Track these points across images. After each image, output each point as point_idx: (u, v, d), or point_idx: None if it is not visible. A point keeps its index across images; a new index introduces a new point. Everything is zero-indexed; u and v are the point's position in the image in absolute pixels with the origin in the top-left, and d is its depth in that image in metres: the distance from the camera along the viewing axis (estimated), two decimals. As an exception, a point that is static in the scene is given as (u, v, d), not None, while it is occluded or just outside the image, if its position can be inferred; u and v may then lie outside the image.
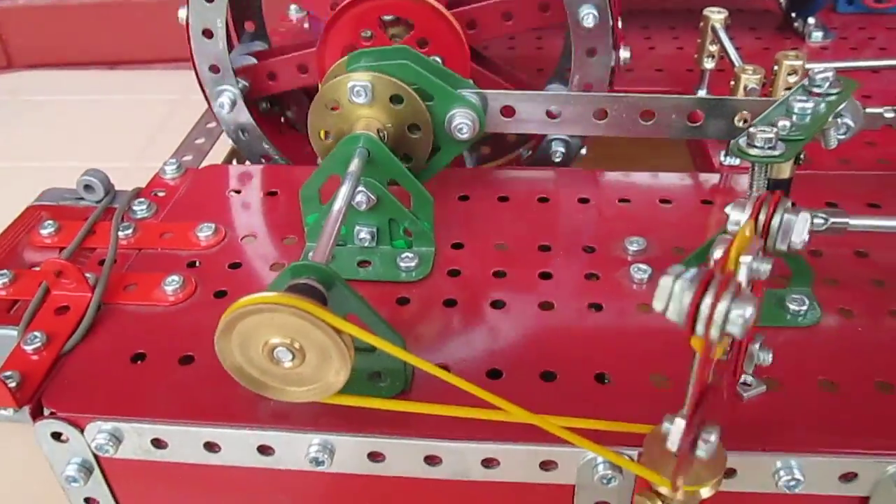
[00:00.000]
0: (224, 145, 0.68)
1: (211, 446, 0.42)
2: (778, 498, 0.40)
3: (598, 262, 0.51)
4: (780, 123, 0.41)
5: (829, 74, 0.44)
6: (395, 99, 0.50)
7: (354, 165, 0.47)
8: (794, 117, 0.42)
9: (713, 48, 0.65)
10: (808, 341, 0.45)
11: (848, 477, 0.39)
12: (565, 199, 0.57)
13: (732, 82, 0.59)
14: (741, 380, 0.42)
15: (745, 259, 0.29)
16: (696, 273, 0.28)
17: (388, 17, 0.56)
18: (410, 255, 0.51)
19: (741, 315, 0.27)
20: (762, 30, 0.84)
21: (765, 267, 0.30)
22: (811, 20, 0.79)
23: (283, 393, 0.36)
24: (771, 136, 0.39)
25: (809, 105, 0.43)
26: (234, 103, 0.62)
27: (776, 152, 0.39)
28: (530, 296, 0.49)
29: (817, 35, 0.79)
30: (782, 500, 0.40)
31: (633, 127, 0.52)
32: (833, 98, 0.44)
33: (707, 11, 0.64)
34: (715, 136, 0.51)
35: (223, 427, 0.41)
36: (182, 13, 0.59)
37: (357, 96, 0.49)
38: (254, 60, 0.65)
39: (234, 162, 0.69)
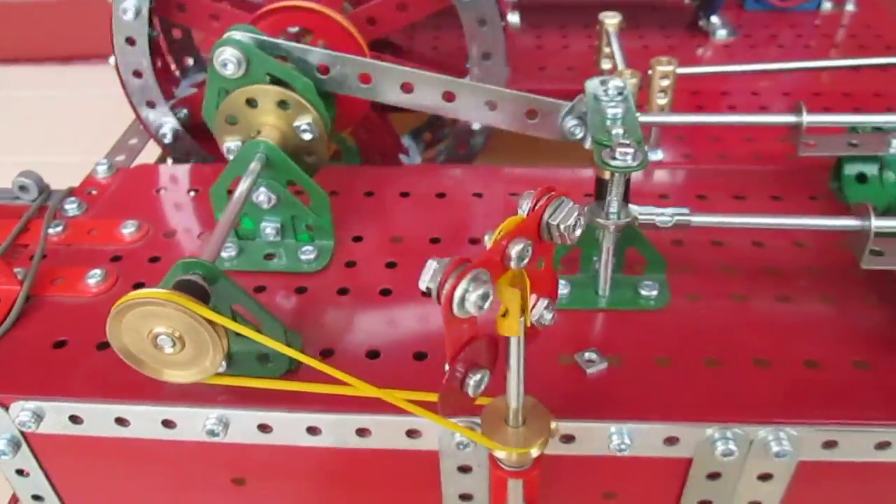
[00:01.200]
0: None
1: (121, 421, 0.47)
2: (613, 460, 0.46)
3: (481, 252, 0.57)
4: (614, 131, 0.47)
5: (622, 86, 0.50)
6: (282, 105, 0.55)
7: (252, 169, 0.52)
8: (620, 123, 0.47)
9: (608, 50, 0.70)
10: (654, 322, 0.51)
11: (671, 441, 0.45)
12: (460, 195, 0.63)
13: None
14: (587, 356, 0.48)
15: (515, 247, 0.34)
16: (451, 260, 0.33)
17: (293, 29, 0.61)
18: (310, 248, 0.56)
19: (477, 295, 0.33)
20: (672, 28, 0.89)
21: (527, 253, 0.35)
22: (714, 19, 0.84)
23: (164, 374, 0.41)
24: (630, 150, 0.44)
25: (620, 109, 0.48)
26: (176, 134, 0.68)
27: (635, 163, 0.44)
28: (415, 285, 0.54)
29: (722, 33, 0.84)
30: (617, 462, 0.46)
31: (479, 114, 0.55)
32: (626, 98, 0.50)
33: (602, 16, 0.70)
34: (548, 136, 0.54)
35: (131, 404, 0.47)
36: (112, 59, 0.64)
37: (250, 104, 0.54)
38: (194, 90, 0.71)
39: (170, 161, 0.74)
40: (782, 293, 0.53)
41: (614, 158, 0.45)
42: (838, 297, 0.52)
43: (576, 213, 0.36)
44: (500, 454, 0.42)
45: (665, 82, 0.61)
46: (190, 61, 0.75)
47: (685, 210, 0.50)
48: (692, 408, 0.45)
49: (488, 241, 0.35)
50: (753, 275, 0.54)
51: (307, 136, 0.54)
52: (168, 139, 0.68)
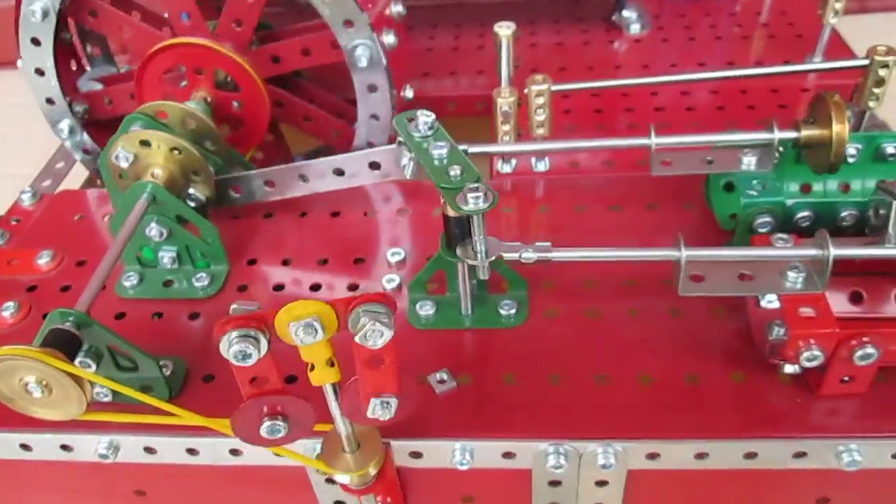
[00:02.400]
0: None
1: (25, 447, 0.53)
2: (457, 473, 0.50)
3: (363, 272, 0.61)
4: (452, 173, 0.50)
5: (430, 119, 0.52)
6: (175, 150, 0.59)
7: (138, 209, 0.56)
8: (451, 163, 0.50)
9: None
10: (510, 340, 0.55)
11: (509, 455, 0.50)
12: (352, 213, 0.67)
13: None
14: (438, 377, 0.52)
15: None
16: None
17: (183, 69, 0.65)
18: (204, 274, 0.61)
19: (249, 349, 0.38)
20: (590, 21, 0.90)
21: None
22: (627, 13, 0.85)
23: (35, 413, 0.46)
24: (480, 194, 0.47)
25: (444, 148, 0.51)
26: (72, 129, 0.72)
27: (486, 204, 0.48)
28: (297, 308, 0.59)
29: (635, 28, 0.86)
30: (461, 474, 0.51)
31: (334, 182, 0.63)
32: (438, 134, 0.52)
33: (496, 26, 0.71)
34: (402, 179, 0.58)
35: (35, 433, 0.53)
36: (20, 62, 0.68)
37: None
38: (98, 86, 0.74)
39: (100, 183, 0.78)
40: (634, 307, 0.56)
41: (466, 203, 0.48)
42: (686, 311, 0.55)
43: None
44: (342, 479, 0.47)
45: (541, 100, 0.63)
46: (97, 51, 0.78)
47: (546, 245, 0.53)
48: (529, 425, 0.50)
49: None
50: (610, 290, 0.57)
51: (197, 179, 0.59)
52: (64, 134, 0.72)
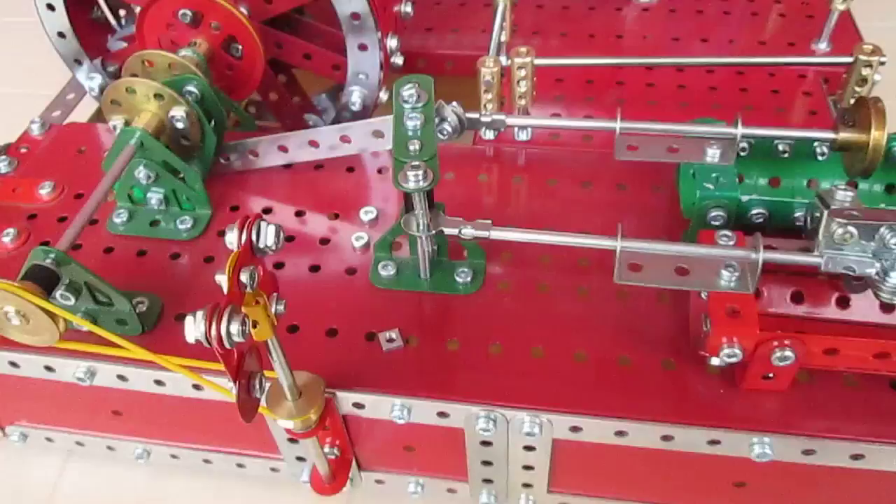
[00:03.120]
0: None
1: (13, 364, 0.58)
2: (397, 426, 0.54)
3: (336, 227, 0.64)
4: (412, 148, 0.52)
5: (414, 90, 0.54)
6: (158, 96, 0.62)
7: (127, 152, 0.60)
8: (418, 137, 0.52)
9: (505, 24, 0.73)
10: (461, 307, 0.58)
11: (443, 415, 0.54)
12: (335, 168, 0.69)
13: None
14: (388, 336, 0.56)
15: (244, 276, 0.42)
16: (205, 310, 0.41)
17: (186, 12, 0.67)
18: (188, 217, 0.64)
19: (236, 328, 0.40)
20: (600, -15, 0.89)
21: (255, 276, 0.42)
22: (637, -21, 0.84)
23: (17, 338, 0.51)
24: (420, 172, 0.50)
25: (418, 121, 0.53)
26: (102, 88, 0.76)
27: (425, 183, 0.50)
28: (273, 257, 0.62)
29: (644, -5, 0.85)
30: (400, 427, 0.54)
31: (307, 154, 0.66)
32: (422, 107, 0.54)
33: (494, -7, 0.72)
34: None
35: (22, 353, 0.58)
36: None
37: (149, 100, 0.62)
38: (124, 45, 0.78)
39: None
40: (584, 286, 0.58)
41: (407, 180, 0.50)
42: (633, 294, 0.58)
43: (273, 232, 0.43)
44: (285, 424, 0.51)
45: (522, 73, 0.65)
46: (122, 12, 0.81)
47: (487, 223, 0.55)
48: (463, 389, 0.53)
49: (223, 281, 0.42)
50: (565, 267, 0.60)
51: (180, 126, 0.62)
52: (95, 93, 0.76)
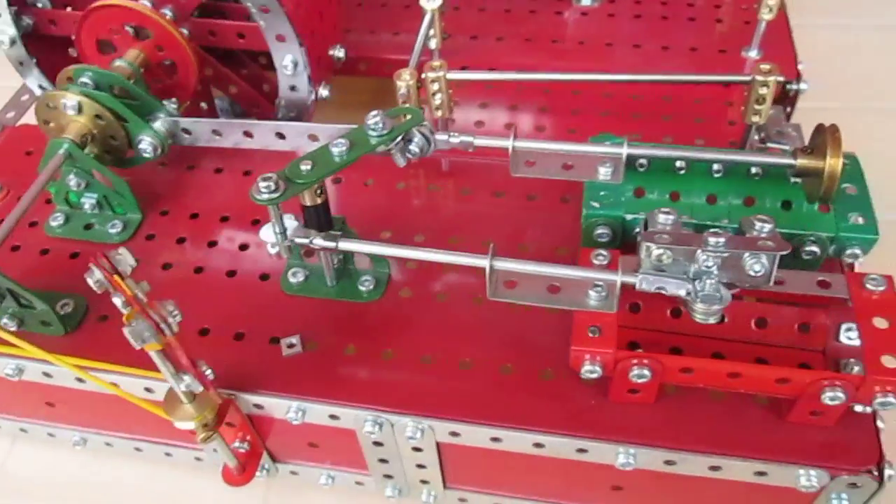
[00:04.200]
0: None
1: (-49, 358, 0.63)
2: (295, 427, 0.58)
3: (255, 234, 0.68)
4: (303, 168, 0.55)
5: (379, 119, 0.56)
6: (98, 117, 0.66)
7: (54, 164, 0.64)
8: (308, 162, 0.55)
9: (432, 31, 0.75)
10: (361, 315, 0.61)
11: (334, 417, 0.57)
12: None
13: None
14: (290, 341, 0.59)
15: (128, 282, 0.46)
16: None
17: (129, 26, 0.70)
18: (118, 221, 0.68)
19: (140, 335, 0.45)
20: (540, -12, 0.90)
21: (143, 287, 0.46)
22: (575, -19, 0.85)
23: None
24: (271, 182, 0.53)
25: (344, 149, 0.56)
26: (13, 41, 0.77)
27: (277, 195, 0.53)
28: (193, 261, 0.66)
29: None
30: (301, 426, 0.58)
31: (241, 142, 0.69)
32: (381, 138, 0.57)
33: (422, 2, 0.74)
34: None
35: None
36: None
37: (67, 110, 0.65)
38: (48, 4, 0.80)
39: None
40: (480, 296, 0.61)
41: (259, 192, 0.53)
42: (524, 305, 0.60)
43: (129, 261, 0.46)
44: (184, 426, 0.55)
45: (436, 86, 0.67)
46: None
47: (337, 234, 0.57)
48: (352, 393, 0.56)
49: (121, 305, 0.46)
50: (465, 277, 0.62)
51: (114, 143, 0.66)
52: (5, 46, 0.77)
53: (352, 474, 0.67)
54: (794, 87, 0.76)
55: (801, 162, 0.55)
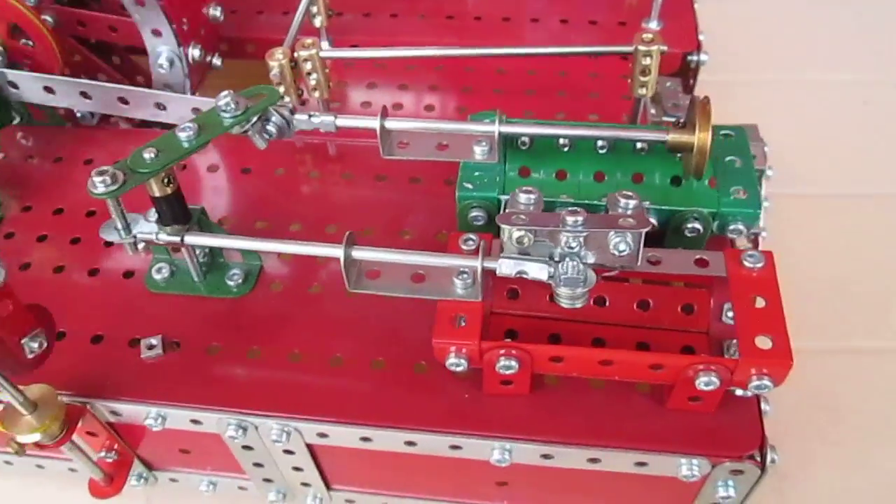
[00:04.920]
0: None
1: None
2: (163, 433, 0.54)
3: (123, 229, 0.63)
4: (146, 156, 0.51)
5: (230, 100, 0.52)
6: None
7: None
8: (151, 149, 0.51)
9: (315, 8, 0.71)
10: (229, 311, 0.57)
11: (196, 422, 0.53)
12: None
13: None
14: (151, 342, 0.55)
15: None
16: None
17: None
18: (-25, 220, 0.64)
19: None
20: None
21: None
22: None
23: None
24: (107, 176, 0.49)
25: (192, 133, 0.52)
26: None
27: (115, 187, 0.49)
28: (54, 260, 0.62)
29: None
30: (168, 432, 0.54)
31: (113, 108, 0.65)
32: (235, 119, 0.53)
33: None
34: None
35: None
36: None
37: None
38: None
39: None
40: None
41: (95, 186, 0.49)
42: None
43: None
44: (28, 438, 0.51)
45: (308, 66, 0.63)
46: None
47: (181, 228, 0.53)
48: (212, 397, 0.53)
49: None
50: (336, 267, 0.59)
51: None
52: None
53: (233, 479, 0.63)
54: (695, 58, 0.73)
55: (673, 137, 0.52)
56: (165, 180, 0.52)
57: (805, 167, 0.84)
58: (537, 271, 0.46)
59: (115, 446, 0.59)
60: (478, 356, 0.48)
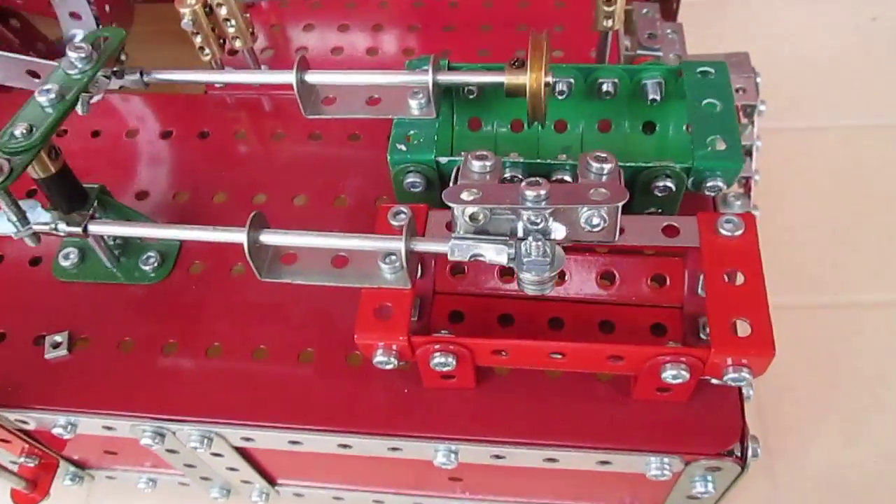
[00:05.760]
0: None
1: None
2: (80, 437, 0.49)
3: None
4: (19, 133, 0.43)
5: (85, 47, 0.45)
6: None
7: None
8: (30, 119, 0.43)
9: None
10: (144, 300, 0.51)
11: (109, 428, 0.48)
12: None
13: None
14: (56, 339, 0.49)
15: None
16: None
17: None
18: None
19: None
20: None
21: None
22: None
23: None
24: None
25: (53, 96, 0.44)
26: None
27: (1, 178, 0.42)
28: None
29: None
30: (85, 437, 0.49)
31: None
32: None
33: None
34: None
35: None
36: None
37: None
38: None
39: None
40: (284, 266, 0.51)
41: None
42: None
43: None
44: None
45: (224, 10, 0.54)
46: None
47: (85, 214, 0.46)
48: (124, 401, 0.47)
49: None
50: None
51: None
52: None
53: (172, 476, 0.58)
54: (676, -22, 0.64)
55: (509, 80, 0.44)
56: (53, 154, 0.45)
57: (803, 96, 0.75)
58: (495, 254, 0.39)
59: (34, 451, 0.54)
60: (409, 352, 0.41)
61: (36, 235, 0.46)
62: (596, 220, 0.39)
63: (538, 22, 0.62)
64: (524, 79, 0.43)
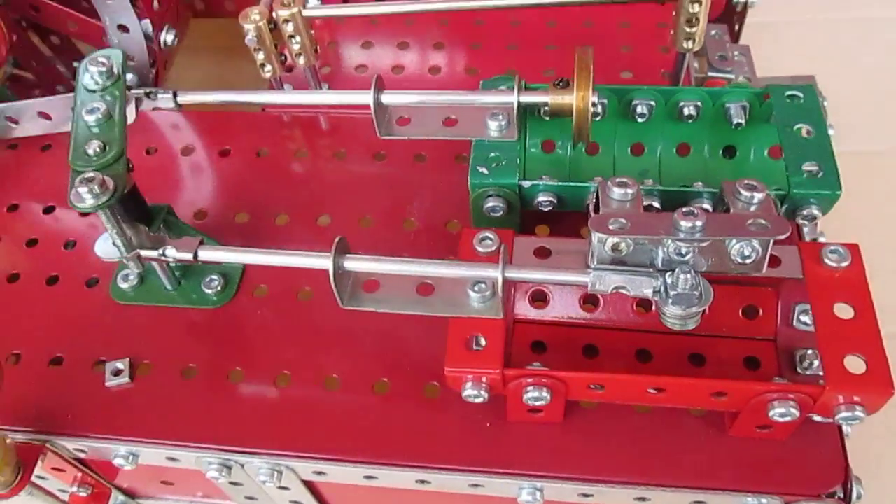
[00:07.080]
0: None
1: None
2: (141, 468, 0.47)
3: (84, 227, 0.55)
4: (91, 150, 0.42)
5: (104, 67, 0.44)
6: None
7: None
8: (98, 132, 0.42)
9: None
10: (207, 323, 0.49)
11: (173, 459, 0.46)
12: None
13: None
14: (116, 366, 0.47)
15: None
16: None
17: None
18: (-85, 223, 0.55)
19: None
20: None
21: None
22: None
23: None
24: (94, 184, 0.40)
25: (100, 109, 0.42)
26: None
27: (107, 196, 0.40)
28: (7, 267, 0.53)
29: None
30: (145, 468, 0.47)
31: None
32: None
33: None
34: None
35: None
36: None
37: None
38: None
39: None
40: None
41: (82, 200, 0.40)
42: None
43: None
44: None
45: (290, 27, 0.53)
46: None
47: (195, 240, 0.44)
48: (189, 431, 0.45)
49: None
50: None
51: None
52: None
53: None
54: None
55: (554, 99, 0.43)
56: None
57: (863, 120, 0.74)
58: (640, 287, 0.37)
59: (88, 481, 0.52)
60: (501, 385, 0.40)
61: (139, 260, 0.45)
62: (748, 252, 0.37)
63: (603, 42, 0.61)
64: (570, 98, 0.41)
